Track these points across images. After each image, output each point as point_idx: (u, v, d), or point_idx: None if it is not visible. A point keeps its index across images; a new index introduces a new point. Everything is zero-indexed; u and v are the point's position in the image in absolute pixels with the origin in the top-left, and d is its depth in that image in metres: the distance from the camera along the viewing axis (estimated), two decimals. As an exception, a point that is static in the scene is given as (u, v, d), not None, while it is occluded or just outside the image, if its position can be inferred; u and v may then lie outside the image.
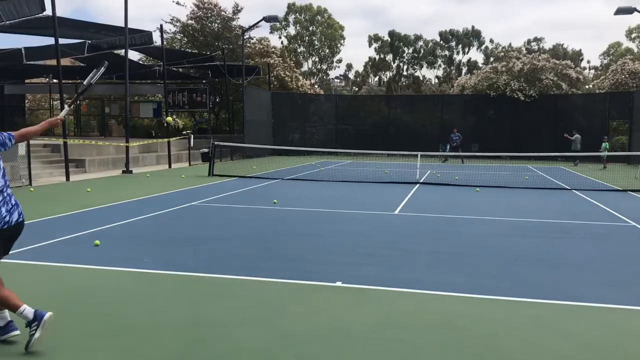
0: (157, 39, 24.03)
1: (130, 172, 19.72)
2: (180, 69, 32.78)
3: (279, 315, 5.07)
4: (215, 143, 20.59)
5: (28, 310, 4.07)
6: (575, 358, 4.24)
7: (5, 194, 4.14)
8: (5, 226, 4.10)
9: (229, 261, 7.10)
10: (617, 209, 12.08)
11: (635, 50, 54.44)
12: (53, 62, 21.26)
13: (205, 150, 23.84)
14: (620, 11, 25.00)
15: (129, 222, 9.74)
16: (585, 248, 8.20)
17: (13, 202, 4.19)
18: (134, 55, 32.68)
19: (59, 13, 17.32)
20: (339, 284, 6.05)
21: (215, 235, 8.78)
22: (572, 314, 5.23)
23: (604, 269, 6.93)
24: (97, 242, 7.81)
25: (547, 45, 61.53)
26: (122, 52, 23.65)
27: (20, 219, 4.22)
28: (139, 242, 8.17)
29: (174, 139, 25.05)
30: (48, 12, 16.77)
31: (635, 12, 24.84)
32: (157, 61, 31.85)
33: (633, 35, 56.66)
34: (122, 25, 20.58)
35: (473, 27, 63.33)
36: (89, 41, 22.75)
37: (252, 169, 21.67)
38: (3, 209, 4.08)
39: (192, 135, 24.80)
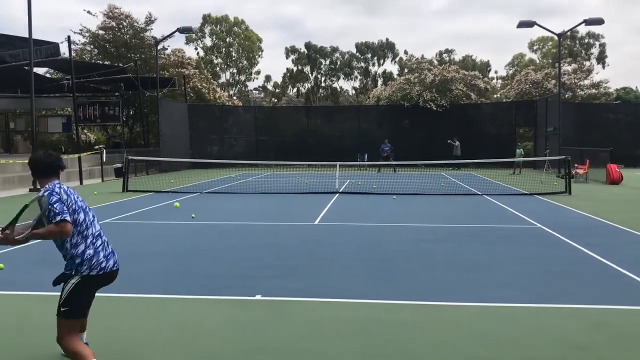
0: (65, 50, 23.07)
1: (38, 190, 18.72)
2: (92, 84, 31.58)
3: (198, 332, 4.95)
4: (129, 157, 19.97)
5: None
6: (486, 357, 4.40)
7: (103, 238, 4.01)
8: (102, 272, 3.91)
9: (144, 279, 6.87)
10: (524, 212, 12.73)
11: (537, 61, 57.86)
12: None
13: (119, 165, 23.06)
14: (522, 24, 26.52)
15: (35, 243, 9.21)
16: (495, 250, 8.56)
17: (110, 250, 4.06)
18: (40, 68, 31.18)
19: (-46, 23, 16.26)
20: (258, 297, 5.99)
21: (129, 253, 8.46)
22: (483, 315, 5.43)
23: (512, 270, 7.26)
24: (1, 265, 7.35)
25: (458, 56, 64.25)
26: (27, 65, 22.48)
27: (115, 267, 4.08)
28: (46, 264, 7.73)
29: (85, 154, 24.06)
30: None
31: (536, 26, 26.43)
32: (64, 74, 30.52)
33: (535, 47, 60.20)
34: (26, 36, 19.57)
35: (387, 39, 65.07)
36: (-11, 53, 21.49)
37: (169, 183, 21.16)
38: (101, 254, 3.93)
39: (104, 150, 23.93)
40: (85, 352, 3.83)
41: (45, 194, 3.86)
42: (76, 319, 3.90)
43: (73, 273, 3.83)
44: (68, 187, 4.01)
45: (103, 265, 3.91)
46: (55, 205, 3.77)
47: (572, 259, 7.95)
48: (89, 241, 3.89)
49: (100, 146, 26.85)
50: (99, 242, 3.95)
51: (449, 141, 31.14)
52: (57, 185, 3.93)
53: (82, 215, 3.91)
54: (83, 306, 3.95)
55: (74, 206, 3.88)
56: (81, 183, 22.03)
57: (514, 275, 7.00)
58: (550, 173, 24.83)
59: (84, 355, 3.80)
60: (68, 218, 3.77)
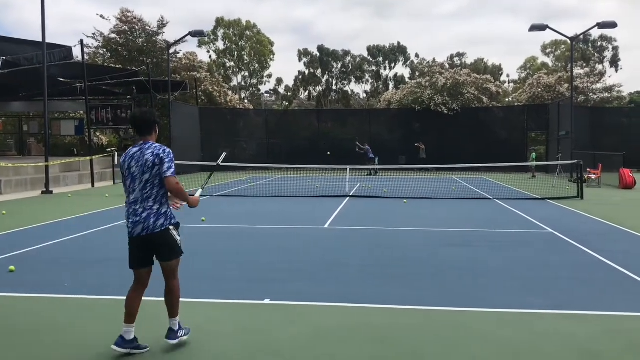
0: (77, 53, 23.22)
1: (51, 192, 18.90)
2: (104, 87, 31.76)
3: (206, 336, 4.95)
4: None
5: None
6: (496, 364, 4.35)
7: (134, 207, 4.53)
8: (129, 236, 4.53)
9: (151, 282, 6.86)
10: (536, 217, 12.62)
11: (550, 64, 57.49)
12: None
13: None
14: (534, 28, 26.36)
15: (47, 245, 9.29)
16: (506, 256, 8.49)
17: (136, 219, 4.49)
18: (53, 71, 31.36)
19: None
20: (267, 301, 5.98)
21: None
22: (496, 321, 5.38)
23: (524, 276, 7.19)
24: (12, 267, 7.39)
25: (469, 60, 64.01)
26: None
27: (144, 233, 4.47)
28: (58, 265, 7.79)
29: (97, 156, 24.24)
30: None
31: (548, 29, 26.26)
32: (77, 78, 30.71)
33: (548, 51, 59.84)
34: (39, 40, 19.77)
35: (399, 42, 65.02)
36: (4, 57, 21.70)
37: (180, 186, 21.18)
38: (129, 220, 4.53)
39: (116, 153, 24.08)
40: (128, 296, 4.67)
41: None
42: (130, 267, 4.67)
43: None
44: (135, 150, 4.66)
45: (130, 230, 4.52)
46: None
47: (583, 264, 7.86)
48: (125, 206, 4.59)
49: (113, 149, 27.01)
50: (130, 209, 4.54)
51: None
52: (131, 150, 4.68)
53: (127, 182, 4.60)
54: (130, 259, 4.61)
55: (124, 172, 4.63)
56: (93, 185, 22.18)
57: (526, 280, 6.94)
58: (562, 177, 24.63)
59: (127, 297, 4.67)
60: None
